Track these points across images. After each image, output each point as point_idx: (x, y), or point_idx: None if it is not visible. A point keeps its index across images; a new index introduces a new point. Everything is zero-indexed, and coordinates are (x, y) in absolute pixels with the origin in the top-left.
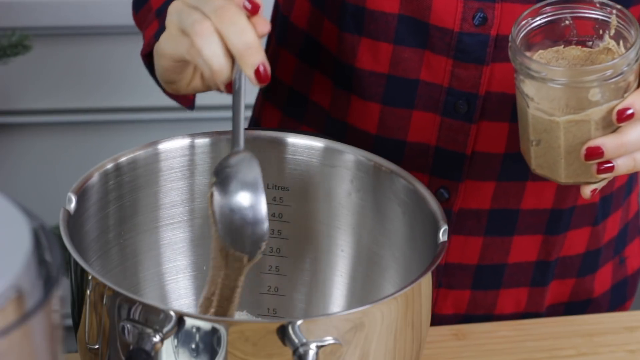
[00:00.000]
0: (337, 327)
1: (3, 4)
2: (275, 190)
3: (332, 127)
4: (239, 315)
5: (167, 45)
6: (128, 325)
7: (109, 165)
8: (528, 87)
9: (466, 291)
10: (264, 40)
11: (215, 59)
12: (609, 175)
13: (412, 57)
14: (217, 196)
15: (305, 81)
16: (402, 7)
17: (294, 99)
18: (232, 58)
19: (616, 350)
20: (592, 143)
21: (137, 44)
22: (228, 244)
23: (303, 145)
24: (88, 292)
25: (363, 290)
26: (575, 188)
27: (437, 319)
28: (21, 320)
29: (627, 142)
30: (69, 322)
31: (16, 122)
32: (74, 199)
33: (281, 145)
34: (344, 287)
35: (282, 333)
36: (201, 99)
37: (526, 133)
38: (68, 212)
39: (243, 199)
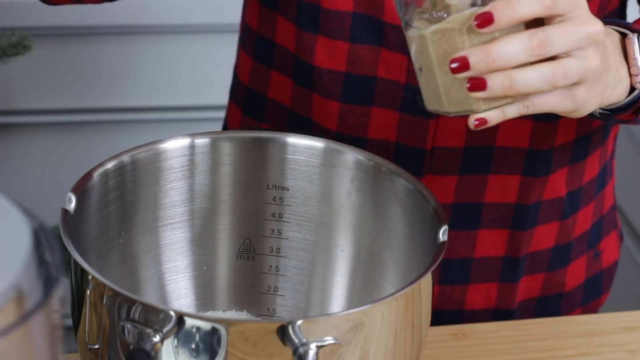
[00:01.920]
0: (337, 327)
1: (3, 4)
2: (275, 190)
3: (295, 122)
4: (239, 315)
5: None
6: (128, 325)
7: (109, 165)
8: (401, 9)
9: (434, 286)
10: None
11: None
12: (484, 95)
13: (369, 54)
14: None
15: (262, 80)
16: (356, 5)
17: (252, 99)
18: None
19: (616, 350)
20: (458, 54)
21: (137, 44)
22: None
23: (303, 145)
24: (88, 292)
25: (363, 290)
26: (539, 183)
27: None
28: (21, 320)
29: (497, 53)
30: (69, 322)
31: (16, 122)
32: (74, 199)
33: (281, 145)
34: (344, 287)
35: (282, 333)
36: (201, 99)
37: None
38: (68, 212)
39: None
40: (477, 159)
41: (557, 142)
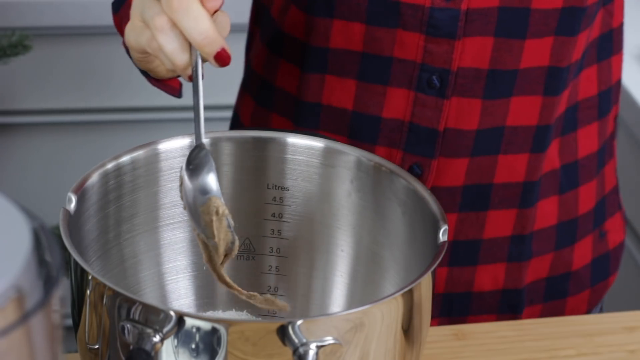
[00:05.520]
0: (337, 327)
1: (3, 4)
2: (275, 190)
3: (302, 110)
4: (239, 315)
5: (131, 37)
6: (128, 325)
7: (109, 165)
8: None
9: (443, 268)
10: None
11: (176, 54)
12: None
13: (385, 36)
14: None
15: (272, 69)
16: None
17: (264, 88)
18: (190, 48)
19: (616, 350)
20: None
21: None
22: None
23: (303, 145)
24: (88, 292)
25: (363, 290)
26: (543, 158)
27: None
28: (21, 320)
29: None
30: (69, 322)
31: (16, 122)
32: (74, 199)
33: (281, 145)
34: (344, 287)
35: (282, 333)
36: None
37: None
38: (68, 212)
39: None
40: (487, 140)
41: (557, 114)
